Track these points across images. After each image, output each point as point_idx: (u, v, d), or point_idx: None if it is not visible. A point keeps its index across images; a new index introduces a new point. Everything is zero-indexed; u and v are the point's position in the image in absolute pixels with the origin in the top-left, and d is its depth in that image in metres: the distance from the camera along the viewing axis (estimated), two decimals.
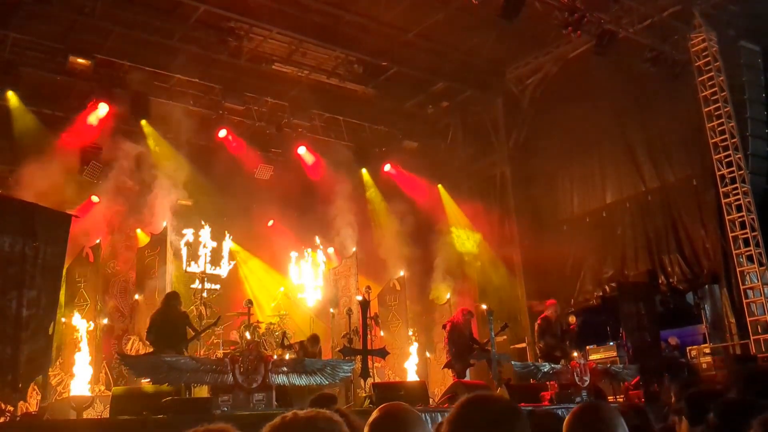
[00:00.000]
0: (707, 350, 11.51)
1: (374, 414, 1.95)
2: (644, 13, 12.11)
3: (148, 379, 7.05)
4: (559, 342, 10.30)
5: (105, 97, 11.82)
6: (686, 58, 12.28)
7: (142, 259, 12.04)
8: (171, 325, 8.58)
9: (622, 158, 13.56)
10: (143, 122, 12.58)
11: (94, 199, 12.18)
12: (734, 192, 11.53)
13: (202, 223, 12.44)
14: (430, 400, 9.53)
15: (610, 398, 10.00)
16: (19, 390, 6.09)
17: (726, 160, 11.68)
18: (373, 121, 15.41)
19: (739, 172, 11.54)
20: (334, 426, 1.66)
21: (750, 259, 11.34)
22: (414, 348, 12.10)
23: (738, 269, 11.37)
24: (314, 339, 10.55)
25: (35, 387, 8.72)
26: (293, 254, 14.24)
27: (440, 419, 6.71)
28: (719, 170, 11.71)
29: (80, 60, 11.52)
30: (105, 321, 11.32)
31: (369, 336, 9.63)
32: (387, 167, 15.71)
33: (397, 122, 15.28)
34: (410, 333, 12.98)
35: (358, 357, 9.26)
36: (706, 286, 12.33)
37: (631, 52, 12.19)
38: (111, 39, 11.53)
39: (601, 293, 13.47)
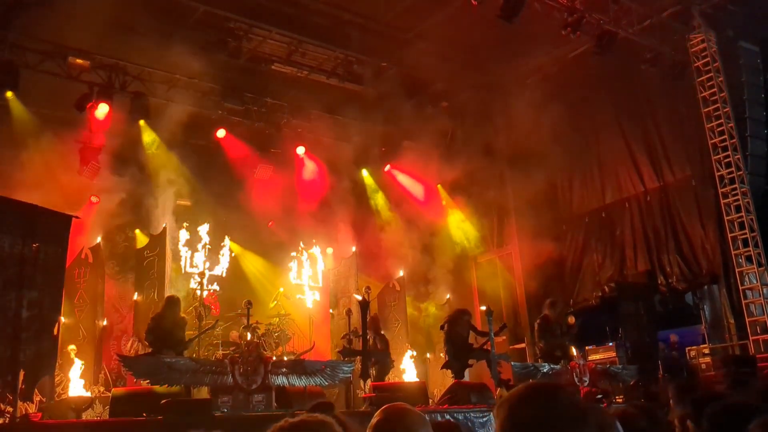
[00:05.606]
0: (706, 351, 11.54)
1: (376, 416, 1.90)
2: (643, 14, 12.09)
3: (147, 380, 7.04)
4: (558, 342, 10.30)
5: (104, 97, 11.79)
6: (685, 58, 12.29)
7: (141, 260, 12.04)
8: (170, 328, 8.59)
9: (621, 158, 13.56)
10: (142, 122, 12.57)
11: (94, 199, 12.18)
12: (733, 192, 11.54)
13: (201, 223, 12.44)
14: (430, 401, 9.54)
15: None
16: (19, 391, 6.09)
17: (725, 160, 11.69)
18: (373, 122, 15.38)
19: (738, 173, 11.55)
20: (326, 427, 1.66)
21: (749, 259, 11.36)
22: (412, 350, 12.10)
23: (737, 270, 11.39)
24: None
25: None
26: (293, 254, 14.23)
27: (440, 420, 6.73)
28: (718, 171, 11.73)
29: (80, 60, 11.52)
30: (104, 322, 11.31)
31: (368, 337, 9.61)
32: (387, 167, 15.70)
33: (397, 122, 15.25)
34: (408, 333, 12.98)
35: (358, 358, 9.26)
36: (705, 287, 12.33)
37: (631, 53, 12.17)
38: (111, 39, 11.51)
39: (600, 293, 13.47)
